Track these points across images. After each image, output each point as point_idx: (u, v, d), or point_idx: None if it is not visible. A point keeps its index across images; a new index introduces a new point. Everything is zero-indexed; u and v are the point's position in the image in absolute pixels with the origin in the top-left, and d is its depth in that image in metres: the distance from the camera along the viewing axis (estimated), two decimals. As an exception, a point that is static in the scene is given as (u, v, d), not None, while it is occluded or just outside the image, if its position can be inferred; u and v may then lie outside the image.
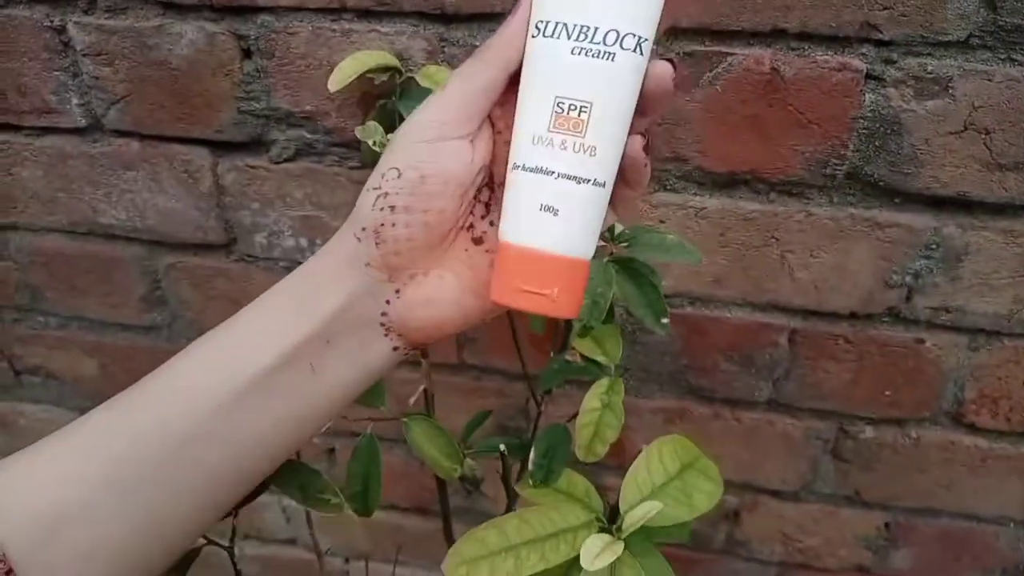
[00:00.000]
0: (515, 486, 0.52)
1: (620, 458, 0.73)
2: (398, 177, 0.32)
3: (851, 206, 0.58)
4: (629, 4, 0.30)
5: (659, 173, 0.60)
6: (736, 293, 0.64)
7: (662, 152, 0.58)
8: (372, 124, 0.50)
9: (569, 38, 0.31)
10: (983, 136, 0.54)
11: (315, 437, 0.37)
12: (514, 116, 0.32)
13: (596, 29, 0.30)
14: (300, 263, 0.35)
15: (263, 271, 0.71)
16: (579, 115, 0.31)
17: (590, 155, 0.31)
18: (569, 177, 0.31)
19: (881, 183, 0.57)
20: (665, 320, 0.48)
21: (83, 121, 0.66)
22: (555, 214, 0.32)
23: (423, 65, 0.57)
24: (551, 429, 0.52)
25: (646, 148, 0.32)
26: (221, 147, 0.65)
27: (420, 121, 0.32)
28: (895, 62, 0.52)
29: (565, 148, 0.31)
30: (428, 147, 0.32)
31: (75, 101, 0.65)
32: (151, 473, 0.31)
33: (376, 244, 0.32)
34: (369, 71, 0.55)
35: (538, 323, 0.64)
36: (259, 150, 0.64)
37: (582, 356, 0.53)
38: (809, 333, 0.65)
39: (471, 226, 0.35)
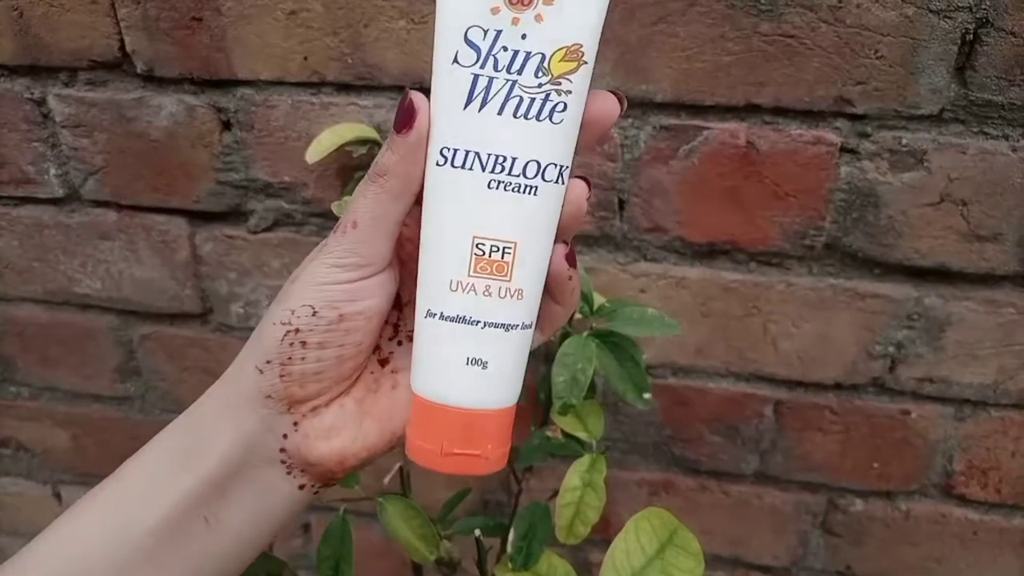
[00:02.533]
0: (494, 569, 0.50)
1: (605, 532, 0.71)
2: (312, 315, 0.29)
3: (831, 276, 0.58)
4: (553, 133, 0.27)
5: (639, 243, 0.59)
6: (719, 363, 0.63)
7: (642, 223, 0.58)
8: (349, 199, 0.50)
9: (484, 170, 0.27)
10: (960, 207, 0.54)
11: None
12: (415, 226, 0.30)
13: (514, 160, 0.27)
14: (247, 343, 0.32)
15: (239, 341, 0.70)
16: (502, 257, 0.28)
17: (517, 299, 0.29)
18: (497, 326, 0.29)
19: (860, 254, 0.57)
20: (647, 395, 0.47)
21: (61, 191, 0.65)
22: (484, 367, 0.29)
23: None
24: (531, 508, 0.51)
25: (569, 258, 0.30)
26: (199, 217, 0.64)
27: (332, 261, 0.29)
28: (869, 135, 0.53)
29: (490, 294, 0.28)
30: (347, 288, 0.29)
31: (53, 171, 0.65)
32: None
33: (281, 376, 0.29)
34: (347, 143, 0.55)
35: (520, 397, 0.63)
36: (237, 220, 0.64)
37: (563, 432, 0.52)
38: (794, 404, 0.64)
39: (378, 347, 0.33)
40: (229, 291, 0.67)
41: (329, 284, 0.29)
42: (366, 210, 0.29)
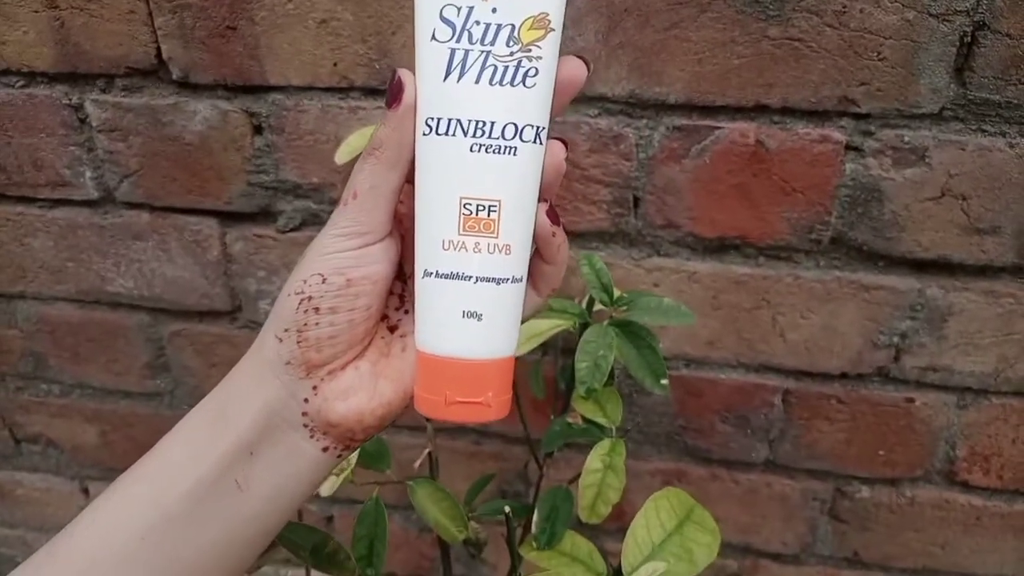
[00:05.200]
0: (518, 549, 0.52)
1: (619, 521, 0.73)
2: (322, 282, 0.31)
3: (837, 269, 0.61)
4: (526, 96, 0.30)
5: (653, 239, 0.62)
6: (730, 355, 0.66)
7: (655, 220, 0.61)
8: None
9: (466, 135, 0.29)
10: (960, 202, 0.57)
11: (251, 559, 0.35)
12: (410, 203, 0.32)
13: (492, 124, 0.29)
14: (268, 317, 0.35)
15: (267, 337, 0.72)
16: (488, 215, 0.30)
17: (506, 254, 0.30)
18: (488, 280, 0.31)
19: (865, 247, 0.59)
20: (664, 381, 0.50)
21: (95, 193, 0.68)
22: (479, 320, 0.31)
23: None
24: (554, 491, 0.53)
25: (551, 215, 0.32)
26: (230, 217, 0.67)
27: (337, 231, 0.31)
28: (873, 134, 0.56)
29: (479, 250, 0.30)
30: (353, 255, 0.31)
31: (88, 174, 0.67)
32: None
33: (298, 343, 0.32)
34: (375, 145, 0.58)
35: (538, 388, 0.65)
36: (266, 220, 0.67)
37: (583, 418, 0.54)
38: (802, 394, 0.66)
39: (385, 316, 0.35)
40: (257, 289, 0.70)
41: (335, 252, 0.31)
42: (364, 181, 0.31)
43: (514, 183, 0.30)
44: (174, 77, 0.61)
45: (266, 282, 0.69)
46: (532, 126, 0.30)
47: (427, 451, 0.56)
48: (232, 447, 0.32)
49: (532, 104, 0.30)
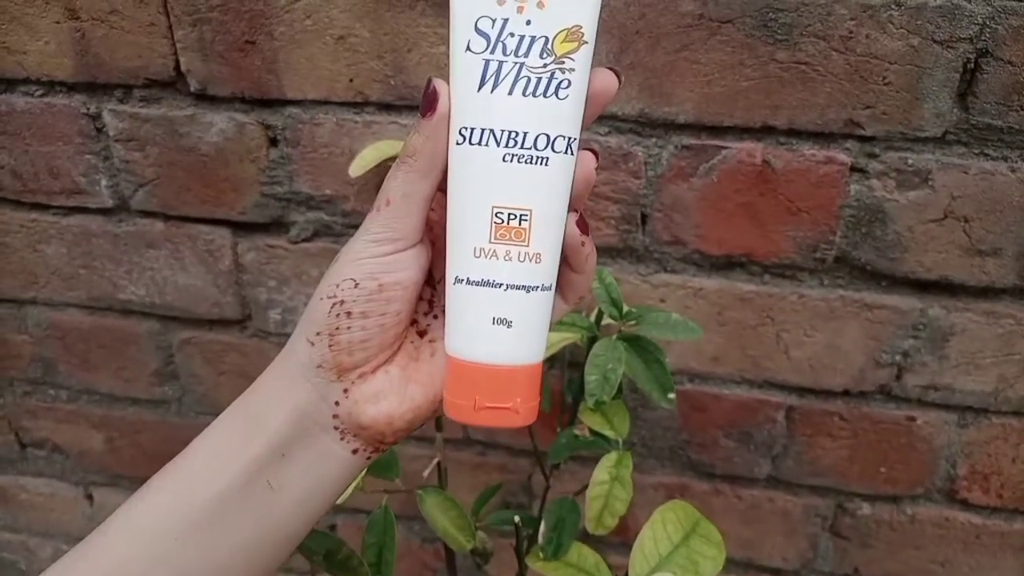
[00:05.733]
0: (526, 560, 0.53)
1: (622, 534, 0.74)
2: (355, 287, 0.32)
3: (841, 288, 0.62)
4: (560, 108, 0.30)
5: (660, 255, 0.63)
6: (734, 371, 0.66)
7: (663, 236, 0.62)
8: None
9: (499, 145, 0.30)
10: (962, 224, 0.58)
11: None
12: (441, 211, 0.33)
13: (525, 135, 0.30)
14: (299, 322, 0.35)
15: (275, 347, 0.73)
16: (520, 223, 0.30)
17: (536, 262, 0.31)
18: (518, 287, 0.31)
19: (868, 267, 0.60)
20: (672, 395, 0.51)
21: (110, 202, 0.69)
22: (508, 327, 0.31)
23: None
24: (560, 502, 0.54)
25: (581, 225, 0.32)
26: (242, 227, 0.68)
27: (370, 237, 0.32)
28: (877, 156, 0.57)
29: (510, 259, 0.31)
30: (384, 260, 0.32)
31: (104, 183, 0.68)
32: None
33: (330, 346, 0.32)
34: (388, 159, 0.59)
35: (544, 401, 0.66)
36: (279, 231, 0.68)
37: (590, 430, 0.55)
38: (805, 410, 0.67)
39: (415, 321, 0.35)
40: (268, 298, 0.71)
41: (368, 258, 0.32)
42: (397, 188, 0.32)
43: (545, 193, 0.31)
44: (192, 89, 0.62)
45: (276, 292, 0.70)
46: (564, 137, 0.30)
47: (436, 460, 0.56)
48: (264, 449, 0.32)
49: (564, 115, 0.30)
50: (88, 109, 0.66)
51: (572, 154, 0.31)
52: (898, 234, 0.59)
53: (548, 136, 0.30)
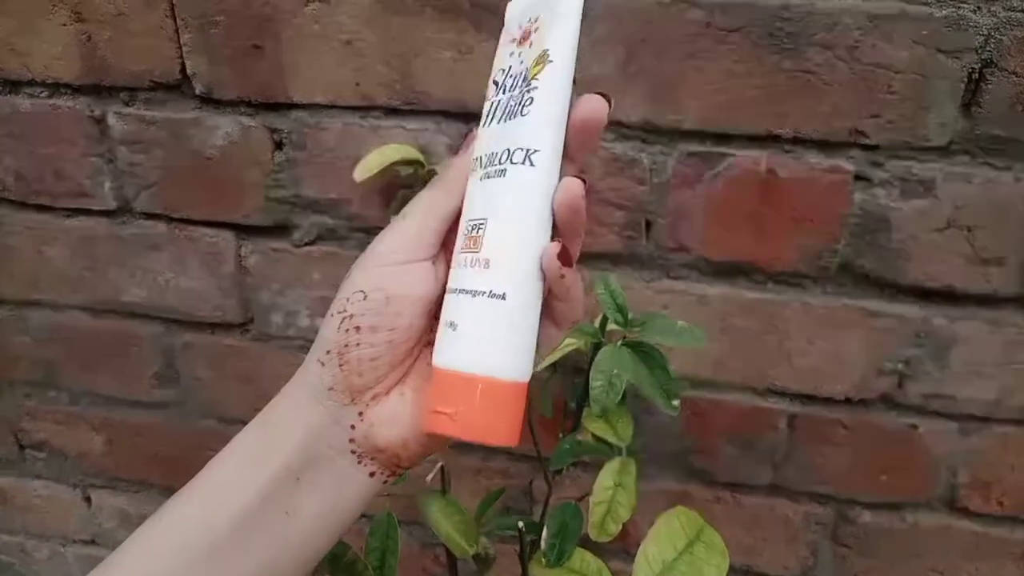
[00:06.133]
0: (529, 566, 0.53)
1: (623, 541, 0.74)
2: (364, 299, 0.32)
3: (844, 296, 0.62)
4: (521, 123, 0.31)
5: (664, 262, 0.63)
6: (737, 378, 0.67)
7: (667, 243, 0.62)
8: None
9: (481, 167, 0.33)
10: (966, 233, 0.58)
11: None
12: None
13: (495, 153, 0.32)
14: (313, 342, 0.34)
15: (277, 350, 0.73)
16: (477, 232, 0.32)
17: (484, 267, 0.31)
18: (464, 292, 0.32)
19: (872, 275, 0.61)
20: (676, 402, 0.51)
21: (114, 204, 0.69)
22: (454, 329, 0.32)
23: (444, 158, 0.61)
24: (563, 507, 0.54)
25: (562, 256, 0.31)
26: (246, 231, 0.68)
27: (384, 247, 0.32)
28: (882, 165, 0.57)
29: (466, 266, 0.32)
30: (393, 270, 0.32)
31: (108, 185, 0.68)
32: None
33: (340, 366, 0.32)
34: (393, 163, 0.59)
35: (547, 407, 0.66)
36: (282, 234, 0.68)
37: (593, 436, 0.55)
38: (807, 418, 0.67)
39: (429, 342, 0.35)
40: (271, 301, 0.71)
41: (376, 267, 0.32)
42: (419, 202, 0.34)
43: (499, 202, 0.31)
44: (197, 92, 0.63)
45: (279, 295, 0.70)
46: (522, 149, 0.31)
47: (439, 465, 0.56)
48: (277, 473, 0.32)
49: (524, 129, 0.31)
50: (93, 111, 0.66)
51: (531, 165, 0.31)
52: (902, 243, 0.59)
53: (509, 150, 0.31)
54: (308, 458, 0.32)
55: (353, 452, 0.33)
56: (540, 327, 0.32)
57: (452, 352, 0.32)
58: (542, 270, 0.31)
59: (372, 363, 0.32)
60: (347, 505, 0.33)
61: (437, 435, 0.33)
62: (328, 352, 0.32)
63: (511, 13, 0.36)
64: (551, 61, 0.31)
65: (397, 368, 0.33)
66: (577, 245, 0.32)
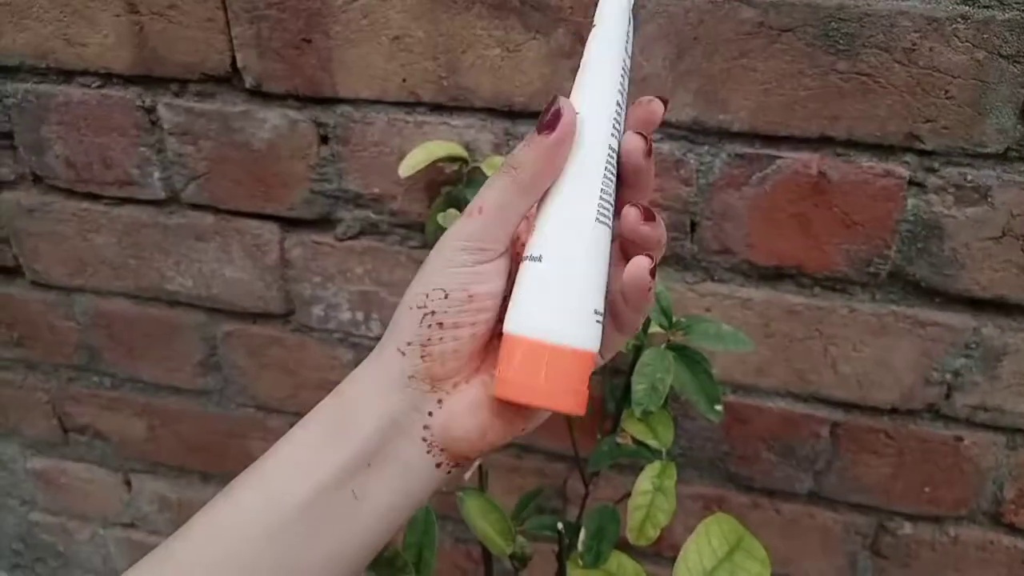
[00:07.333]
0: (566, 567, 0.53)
1: (657, 544, 0.73)
2: (444, 298, 0.31)
3: (893, 304, 0.61)
4: (574, 88, 0.32)
5: (708, 264, 0.62)
6: (779, 383, 0.66)
7: (712, 245, 0.61)
8: (452, 211, 0.53)
9: None
10: (1020, 242, 0.56)
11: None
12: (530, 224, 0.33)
13: None
14: (352, 335, 0.34)
15: (316, 342, 0.73)
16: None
17: (535, 233, 0.32)
18: (524, 258, 0.32)
19: (922, 283, 0.59)
20: (719, 407, 0.50)
21: (162, 194, 0.70)
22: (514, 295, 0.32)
23: (488, 156, 0.61)
24: (601, 510, 0.54)
25: (645, 216, 0.31)
26: (290, 223, 0.69)
27: (459, 245, 0.31)
28: (936, 171, 0.56)
29: (531, 232, 0.32)
30: (472, 270, 0.31)
31: (156, 175, 0.69)
32: None
33: (422, 357, 0.32)
34: (438, 159, 0.59)
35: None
36: (325, 227, 0.68)
37: (633, 439, 0.54)
38: (851, 426, 0.66)
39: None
40: (312, 294, 0.71)
41: (456, 267, 0.31)
42: (493, 198, 0.31)
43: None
44: (247, 85, 0.63)
45: (320, 288, 0.71)
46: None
47: (477, 463, 0.56)
48: (352, 456, 0.31)
49: (573, 94, 0.33)
50: (143, 102, 0.67)
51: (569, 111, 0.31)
52: (954, 251, 0.58)
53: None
54: (381, 445, 0.32)
55: (424, 440, 0.32)
56: (605, 320, 0.32)
57: (508, 316, 0.32)
58: (582, 232, 0.31)
59: (455, 354, 0.32)
60: (412, 494, 0.33)
61: (511, 421, 0.33)
62: (409, 344, 0.32)
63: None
64: (594, 25, 0.33)
65: (477, 358, 0.33)
66: (644, 198, 0.32)
